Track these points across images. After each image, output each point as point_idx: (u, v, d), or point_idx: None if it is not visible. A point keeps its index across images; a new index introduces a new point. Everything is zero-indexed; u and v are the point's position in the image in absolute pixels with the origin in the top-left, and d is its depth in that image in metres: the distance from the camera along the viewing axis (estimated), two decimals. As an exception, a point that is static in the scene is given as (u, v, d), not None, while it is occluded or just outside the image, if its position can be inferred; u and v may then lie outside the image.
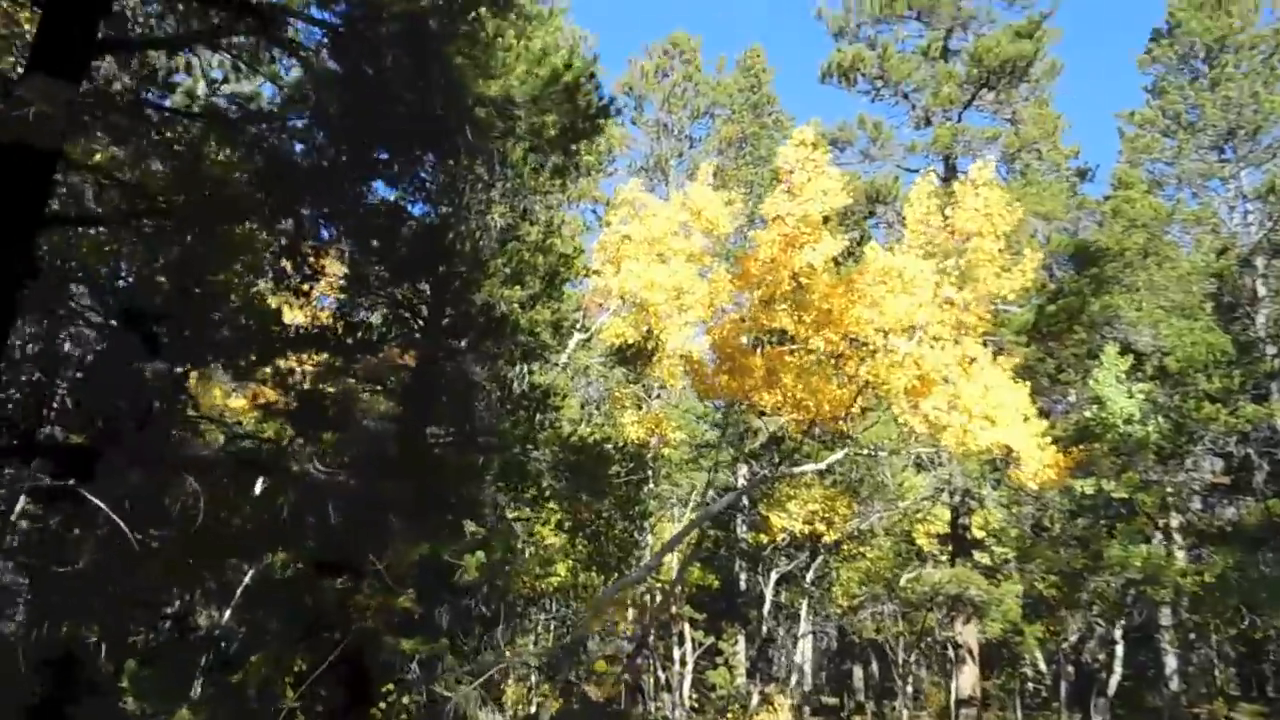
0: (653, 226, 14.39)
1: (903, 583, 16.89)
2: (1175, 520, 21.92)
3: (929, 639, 19.74)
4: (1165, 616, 24.40)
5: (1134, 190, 21.90)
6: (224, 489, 7.42)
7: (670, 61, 27.66)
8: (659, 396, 21.39)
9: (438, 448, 11.55)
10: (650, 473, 21.53)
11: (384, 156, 12.42)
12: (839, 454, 11.08)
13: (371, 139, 11.38)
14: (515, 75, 8.61)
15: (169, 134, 8.02)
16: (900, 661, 21.73)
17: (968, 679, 15.90)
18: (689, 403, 22.79)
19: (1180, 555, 20.15)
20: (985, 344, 13.09)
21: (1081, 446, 15.27)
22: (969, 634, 15.65)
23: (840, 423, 10.57)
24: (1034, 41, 16.82)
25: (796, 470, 12.67)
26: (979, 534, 20.34)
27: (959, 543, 16.66)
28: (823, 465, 11.28)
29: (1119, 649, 17.75)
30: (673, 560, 24.31)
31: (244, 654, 9.39)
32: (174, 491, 6.81)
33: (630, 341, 13.09)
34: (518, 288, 10.99)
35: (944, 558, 17.62)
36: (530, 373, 13.13)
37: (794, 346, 11.14)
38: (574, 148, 10.27)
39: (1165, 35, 24.05)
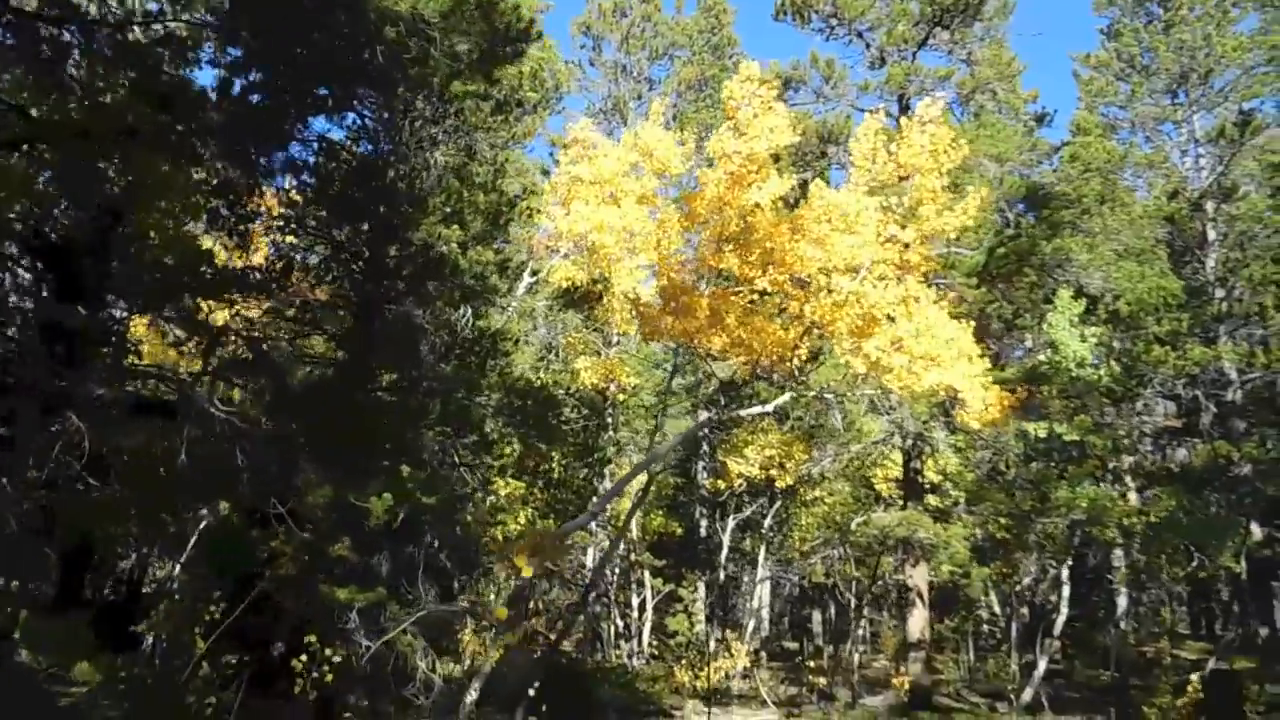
0: (603, 167, 14.04)
1: (853, 527, 17.05)
2: (1126, 462, 22.39)
3: (881, 582, 20.02)
4: (1118, 558, 25.12)
5: (1090, 135, 21.94)
6: (129, 432, 7.12)
7: (629, 1, 26.97)
8: (618, 343, 21.21)
9: (379, 392, 11.31)
10: (610, 419, 21.45)
11: (321, 92, 12.02)
12: (784, 397, 10.99)
13: (299, 70, 10.95)
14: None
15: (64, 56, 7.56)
16: (852, 605, 22.08)
17: (917, 622, 16.15)
18: (648, 349, 22.67)
19: (1133, 497, 20.61)
20: (931, 284, 13.08)
21: (1029, 387, 15.38)
22: (919, 577, 15.85)
23: (787, 365, 10.47)
24: (987, -22, 16.61)
25: (743, 413, 12.58)
26: (935, 478, 20.63)
27: (911, 486, 16.81)
28: (769, 408, 11.19)
29: (1065, 590, 18.14)
30: (625, 507, 24.44)
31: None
32: (66, 435, 6.53)
33: (578, 284, 12.85)
34: (457, 227, 10.67)
35: (899, 502, 17.81)
36: (477, 316, 12.87)
37: (739, 288, 10.97)
38: (495, 74, 9.87)
39: (1123, -22, 23.91)
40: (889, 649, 25.68)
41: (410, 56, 8.69)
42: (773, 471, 19.30)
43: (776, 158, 14.74)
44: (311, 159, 11.69)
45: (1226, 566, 18.71)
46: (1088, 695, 21.41)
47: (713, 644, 21.55)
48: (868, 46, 17.43)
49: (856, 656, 20.72)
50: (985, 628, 28.27)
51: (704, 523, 25.33)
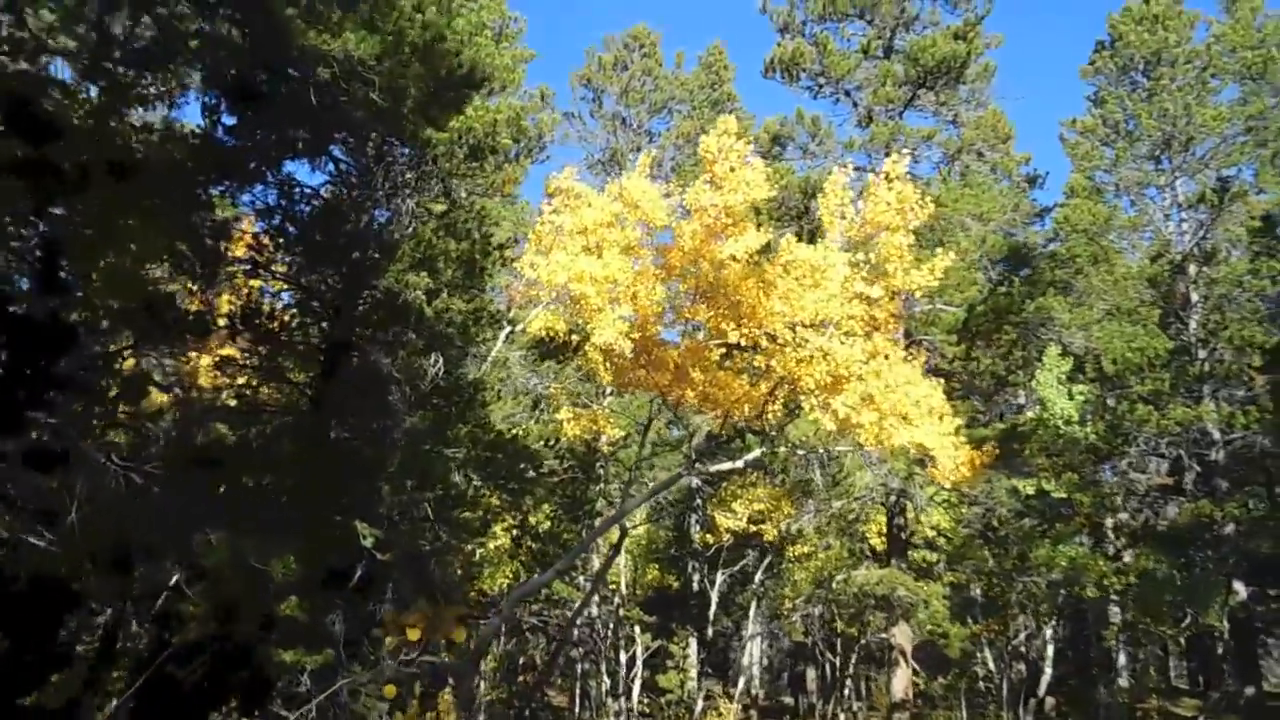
0: (585, 217, 13.96)
1: (834, 585, 16.71)
2: (1111, 521, 22.13)
3: (865, 641, 19.60)
4: (1115, 614, 24.68)
5: (1079, 197, 22.17)
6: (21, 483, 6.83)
7: (630, 55, 27.41)
8: (611, 395, 21.01)
9: (345, 442, 11.08)
10: (600, 472, 21.13)
11: (295, 134, 11.99)
12: (755, 452, 10.78)
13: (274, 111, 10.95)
14: (352, 31, 8.11)
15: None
16: (837, 664, 21.57)
17: (900, 681, 15.71)
18: (639, 402, 22.49)
19: (1128, 556, 20.32)
20: (911, 343, 12.95)
21: (1015, 445, 15.21)
22: (901, 636, 15.46)
23: (759, 420, 10.29)
24: (967, 43, 16.80)
25: (713, 468, 12.38)
26: (929, 533, 20.34)
27: (895, 543, 16.50)
28: (739, 463, 10.99)
29: (1050, 649, 17.72)
30: (620, 564, 23.98)
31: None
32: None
33: (554, 334, 12.71)
34: (425, 274, 10.56)
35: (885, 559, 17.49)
36: (452, 365, 12.69)
37: (715, 342, 10.85)
38: (440, 118, 9.85)
39: (1107, 47, 24.34)
40: (881, 706, 25.07)
41: (347, 100, 8.60)
42: (761, 526, 19.01)
43: (757, 211, 14.78)
44: (279, 201, 11.69)
45: (1211, 625, 18.33)
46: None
47: (700, 703, 20.97)
48: (855, 105, 17.64)
49: (842, 715, 20.13)
50: (981, 684, 27.64)
51: (696, 577, 24.88)
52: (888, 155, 18.71)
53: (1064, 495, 20.38)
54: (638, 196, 13.74)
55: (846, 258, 9.48)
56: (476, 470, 12.05)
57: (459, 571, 13.11)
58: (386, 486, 10.05)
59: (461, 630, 5.96)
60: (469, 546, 19.78)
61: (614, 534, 22.99)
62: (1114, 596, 21.00)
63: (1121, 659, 29.05)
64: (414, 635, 5.86)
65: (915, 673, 25.46)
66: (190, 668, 7.63)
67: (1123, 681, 28.30)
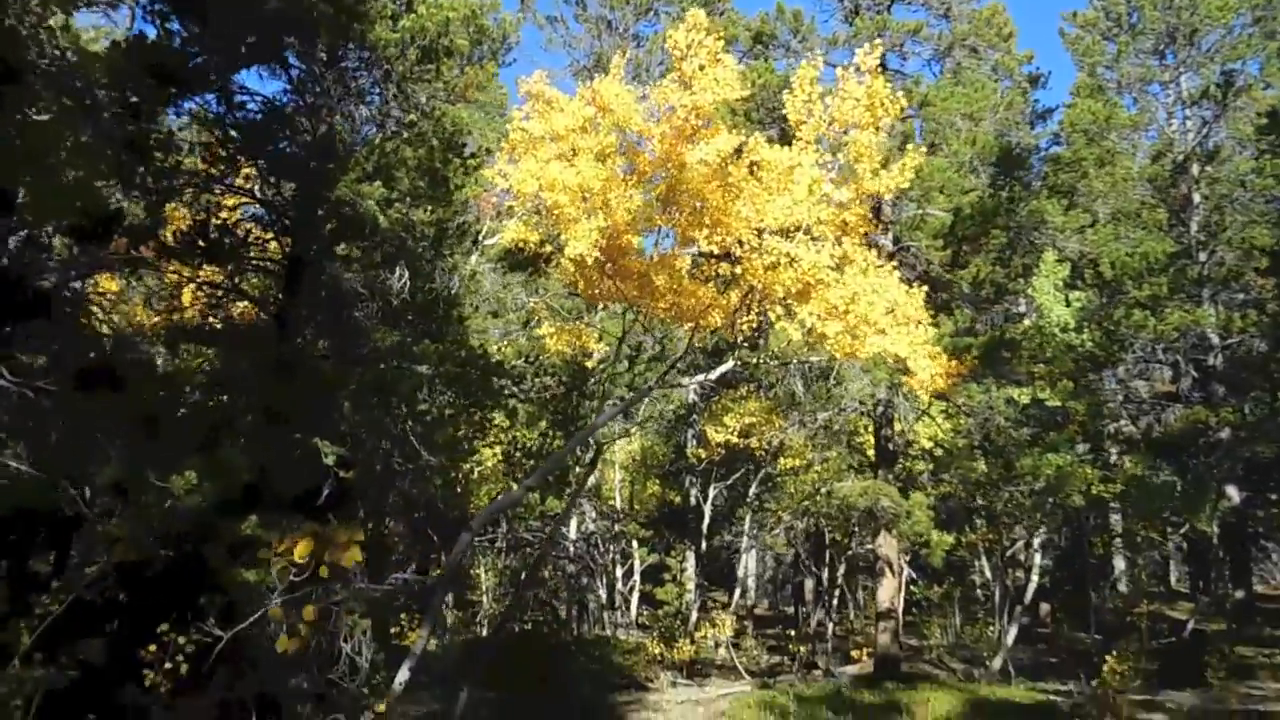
0: (556, 122, 13.33)
1: (817, 498, 16.66)
2: (1112, 428, 22.00)
3: (852, 550, 19.70)
4: (1116, 521, 24.79)
5: (1081, 97, 21.29)
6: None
7: (615, -47, 26.17)
8: (604, 309, 20.62)
9: (300, 361, 10.81)
10: (596, 388, 20.93)
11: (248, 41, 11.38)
12: (727, 364, 10.45)
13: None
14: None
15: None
16: (824, 576, 21.80)
17: (886, 590, 15.79)
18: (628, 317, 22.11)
19: (1128, 463, 20.20)
20: (879, 246, 12.50)
21: (1005, 354, 14.88)
22: (887, 546, 15.46)
23: (730, 331, 9.95)
24: (959, -75, 15.85)
25: (685, 381, 12.09)
26: (926, 444, 20.23)
27: (883, 454, 16.36)
28: (713, 375, 10.69)
29: (1037, 558, 17.80)
30: (615, 480, 24.08)
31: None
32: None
33: (523, 245, 12.30)
34: (379, 184, 10.10)
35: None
36: (420, 281, 12.32)
37: (682, 250, 10.43)
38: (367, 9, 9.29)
39: (1109, -66, 23.06)
40: (873, 616, 25.53)
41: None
42: (751, 440, 18.90)
43: (734, 112, 14.11)
44: (228, 111, 11.16)
45: (1201, 531, 18.34)
46: (1067, 660, 21.15)
47: (695, 614, 21.28)
48: (840, 1, 16.71)
49: (830, 625, 20.44)
50: (979, 593, 28.04)
51: (694, 492, 25.00)
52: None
53: (1059, 404, 20.18)
54: (610, 100, 13.08)
55: (815, 158, 8.97)
56: (449, 387, 11.81)
57: (439, 489, 12.99)
58: (348, 404, 9.81)
59: (355, 552, 5.73)
60: (462, 466, 19.82)
61: (608, 453, 23.10)
62: (1112, 505, 21.03)
63: (1120, 565, 29.35)
64: (300, 554, 5.64)
65: (913, 581, 25.83)
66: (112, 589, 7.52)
67: (1121, 587, 28.68)
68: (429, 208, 11.39)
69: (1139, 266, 19.14)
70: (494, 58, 13.19)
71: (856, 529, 17.70)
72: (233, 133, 10.88)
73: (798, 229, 8.94)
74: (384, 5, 10.78)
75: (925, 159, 14.74)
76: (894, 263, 10.70)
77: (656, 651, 19.26)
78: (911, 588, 26.33)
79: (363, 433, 10.75)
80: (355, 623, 10.35)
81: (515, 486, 21.51)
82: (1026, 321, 21.03)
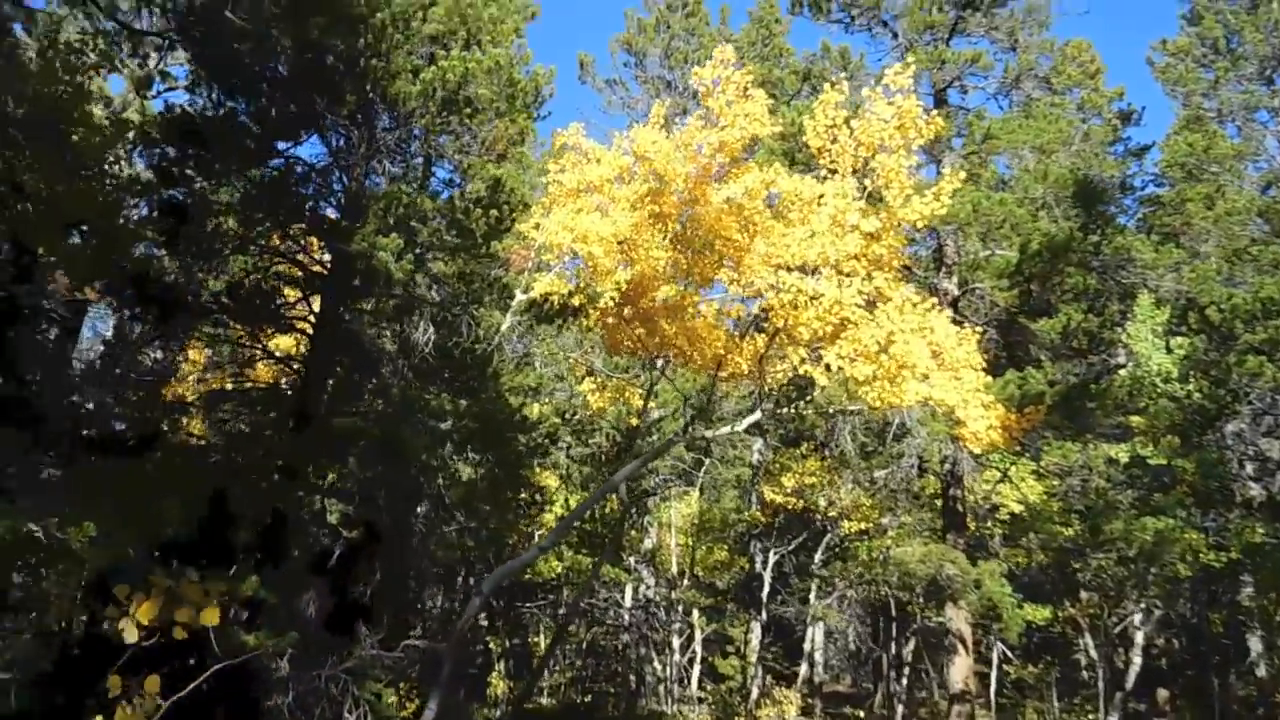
0: (590, 173, 13.03)
1: (874, 565, 15.25)
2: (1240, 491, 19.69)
3: (917, 624, 17.95)
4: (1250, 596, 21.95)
5: (1177, 129, 19.84)
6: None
7: (671, 15, 26.35)
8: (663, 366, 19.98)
9: (319, 418, 10.53)
10: (646, 445, 20.16)
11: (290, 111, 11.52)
12: (755, 415, 9.55)
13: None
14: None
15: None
16: (891, 652, 20.02)
17: (959, 670, 14.18)
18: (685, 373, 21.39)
19: (1260, 530, 17.95)
20: (933, 289, 11.47)
21: (1088, 404, 13.43)
22: (959, 619, 13.95)
23: (759, 378, 9.14)
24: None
25: (710, 434, 11.20)
26: (1016, 507, 18.53)
27: (951, 516, 14.93)
28: (740, 426, 9.83)
29: (1139, 636, 15.76)
30: (668, 540, 23.04)
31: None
32: None
33: (547, 296, 11.84)
34: (394, 236, 9.83)
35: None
36: (446, 335, 11.99)
37: (710, 295, 9.76)
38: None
39: (1204, -42, 21.66)
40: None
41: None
42: (811, 501, 17.72)
43: (772, 153, 13.46)
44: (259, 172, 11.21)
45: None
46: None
47: (755, 692, 19.87)
48: (895, 36, 15.96)
49: (900, 708, 18.65)
50: (1085, 674, 25.39)
51: (759, 558, 23.69)
52: (935, 89, 17.16)
53: (1164, 462, 18.22)
54: (647, 148, 12.67)
55: (842, 187, 8.22)
56: (474, 444, 11.31)
57: (471, 550, 12.41)
58: (354, 460, 9.40)
59: (214, 611, 5.12)
60: (516, 528, 19.24)
61: (665, 515, 22.14)
62: (1244, 577, 18.58)
63: (1256, 646, 25.98)
64: (144, 614, 5.06)
65: (1006, 659, 23.60)
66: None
67: (1260, 671, 25.34)
68: (452, 260, 11.08)
69: (1252, 308, 17.26)
70: (526, 110, 12.95)
71: (921, 600, 16.13)
72: (264, 193, 10.89)
73: (825, 264, 8.14)
74: (405, 59, 10.70)
75: (987, 193, 13.75)
76: (951, 309, 9.72)
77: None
78: (1005, 667, 24.08)
79: (377, 491, 10.33)
80: (366, 689, 9.77)
81: (570, 551, 20.90)
82: (1122, 373, 19.26)
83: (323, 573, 9.87)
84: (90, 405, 12.09)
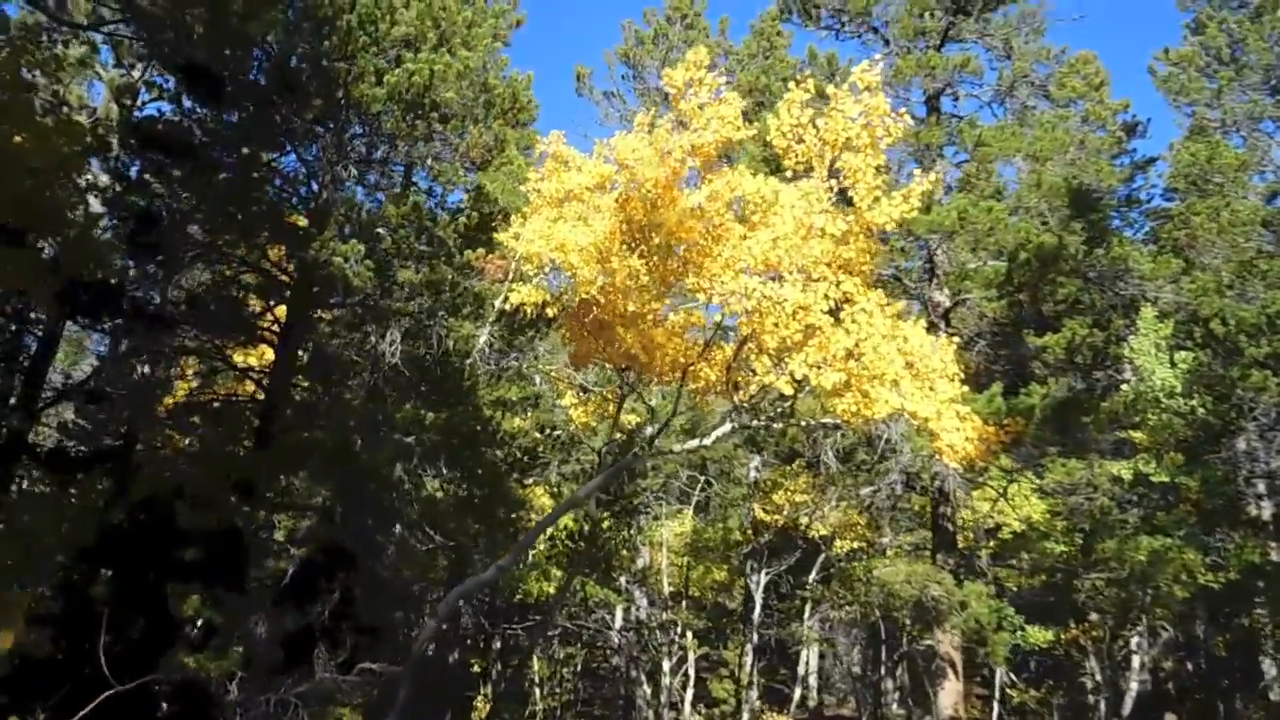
0: (569, 180, 12.69)
1: (856, 584, 14.73)
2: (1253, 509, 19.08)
3: (906, 647, 17.35)
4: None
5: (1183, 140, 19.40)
6: None
7: (671, 27, 26.16)
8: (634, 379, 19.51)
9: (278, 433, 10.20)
10: (644, 464, 19.68)
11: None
12: (725, 428, 9.12)
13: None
14: None
15: None
16: (882, 676, 19.41)
17: (948, 696, 13.59)
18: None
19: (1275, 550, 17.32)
20: (925, 302, 11.10)
21: (1081, 418, 12.95)
22: (947, 643, 13.39)
23: (728, 390, 8.73)
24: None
25: (676, 449, 10.78)
26: (1017, 525, 18.00)
27: (942, 535, 14.41)
28: (708, 440, 9.39)
29: (1135, 661, 15.16)
30: (661, 560, 22.54)
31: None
32: None
33: (519, 307, 11.51)
34: (353, 242, 9.54)
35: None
36: (415, 346, 11.67)
37: (679, 302, 9.38)
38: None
39: (1208, -34, 21.24)
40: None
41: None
42: (802, 519, 17.26)
43: (757, 160, 13.13)
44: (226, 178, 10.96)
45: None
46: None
47: (746, 716, 19.29)
48: (886, 43, 15.62)
49: None
50: (1090, 698, 24.66)
51: (752, 579, 23.14)
52: (928, 95, 16.78)
53: (1166, 479, 17.67)
54: (627, 156, 12.31)
55: (806, 189, 7.87)
56: (442, 459, 10.95)
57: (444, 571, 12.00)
58: (310, 475, 9.06)
59: (5, 636, 4.75)
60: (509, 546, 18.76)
61: (657, 535, 21.64)
62: (1258, 595, 17.85)
63: (1271, 670, 25.17)
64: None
65: (1010, 684, 22.88)
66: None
67: (1274, 695, 24.51)
68: (420, 269, 10.78)
69: (1258, 321, 16.76)
70: (503, 117, 12.68)
71: (908, 623, 15.58)
72: (229, 200, 10.63)
73: (790, 270, 7.76)
74: (371, 61, 10.43)
75: (974, 200, 13.34)
76: (944, 322, 9.32)
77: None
78: (1008, 691, 23.38)
79: (337, 507, 9.97)
80: (329, 715, 9.39)
81: (559, 572, 20.41)
82: (1125, 387, 18.75)
83: (280, 592, 9.50)
84: (75, 419, 11.83)
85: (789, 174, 8.15)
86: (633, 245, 9.09)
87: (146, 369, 12.36)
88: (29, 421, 11.04)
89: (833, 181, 7.88)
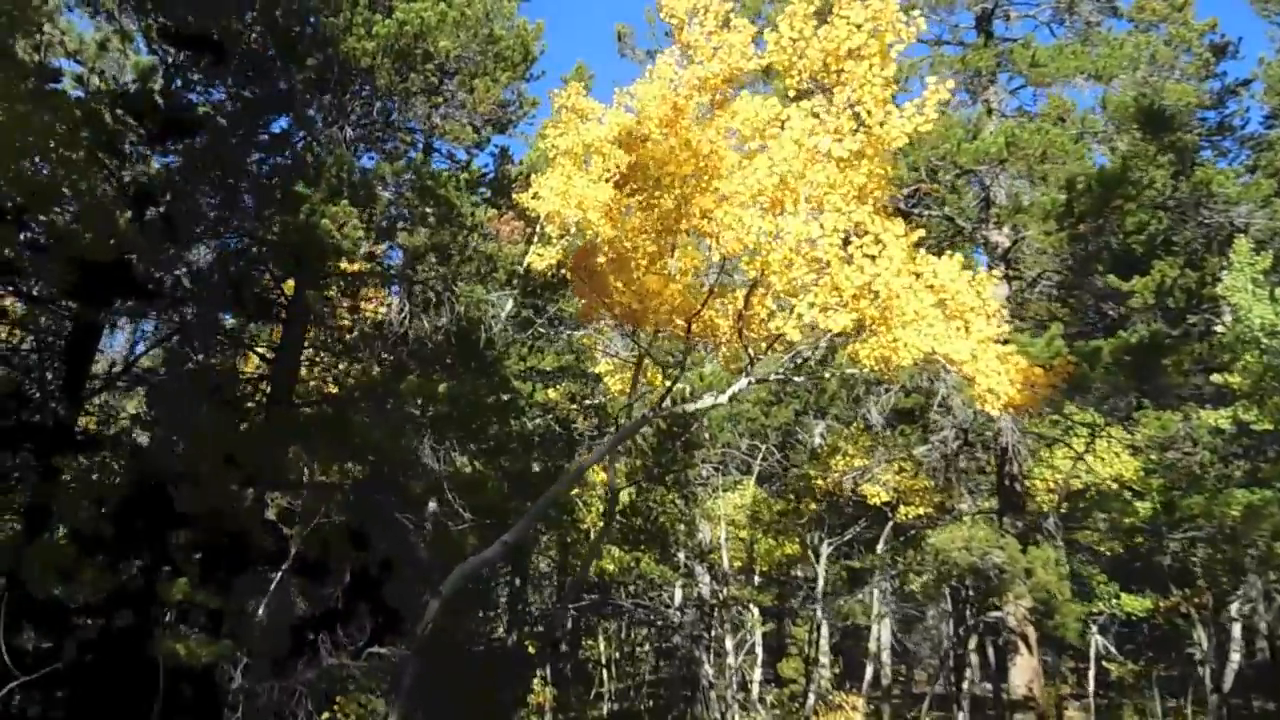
0: (587, 133, 11.99)
1: (911, 552, 13.59)
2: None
3: (972, 620, 16.05)
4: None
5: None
6: None
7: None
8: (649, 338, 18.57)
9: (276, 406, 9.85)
10: (704, 434, 18.86)
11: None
12: (741, 383, 8.20)
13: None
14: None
15: None
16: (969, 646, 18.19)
17: (1021, 674, 12.35)
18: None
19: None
20: (984, 242, 10.02)
21: (1160, 361, 11.60)
22: (1017, 614, 12.16)
23: (739, 338, 7.91)
24: None
25: (689, 407, 9.92)
26: (1109, 485, 16.62)
27: (1008, 497, 13.15)
28: (723, 398, 8.52)
29: (1236, 629, 13.67)
30: (719, 534, 21.73)
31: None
32: None
33: (529, 269, 10.89)
34: (344, 203, 9.05)
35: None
36: (428, 312, 11.19)
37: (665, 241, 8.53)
38: None
39: None
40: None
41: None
42: (852, 485, 16.25)
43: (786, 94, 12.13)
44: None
45: None
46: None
47: (812, 697, 18.38)
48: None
49: (960, 715, 16.86)
50: (1200, 670, 22.88)
51: (813, 551, 22.09)
52: (975, 17, 15.30)
53: (1269, 427, 15.97)
54: (648, 105, 11.50)
55: (807, 107, 6.97)
56: (454, 431, 10.45)
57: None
58: (294, 449, 8.66)
59: None
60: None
61: (716, 509, 20.79)
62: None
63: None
64: None
65: (1103, 656, 21.34)
66: None
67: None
68: (417, 231, 10.25)
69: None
70: (513, 70, 12.01)
71: (971, 593, 14.41)
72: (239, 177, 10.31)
73: (793, 199, 6.89)
74: (361, 13, 9.89)
75: (1022, 123, 12.04)
76: (1003, 263, 8.26)
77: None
78: (1104, 664, 21.82)
79: (344, 484, 9.58)
80: (352, 699, 9.03)
81: (616, 549, 19.82)
82: (1219, 327, 17.05)
83: (286, 574, 9.16)
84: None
85: (790, 94, 7.24)
86: (614, 180, 8.33)
87: (157, 350, 12.21)
88: (73, 410, 11.02)
89: (840, 98, 6.92)
